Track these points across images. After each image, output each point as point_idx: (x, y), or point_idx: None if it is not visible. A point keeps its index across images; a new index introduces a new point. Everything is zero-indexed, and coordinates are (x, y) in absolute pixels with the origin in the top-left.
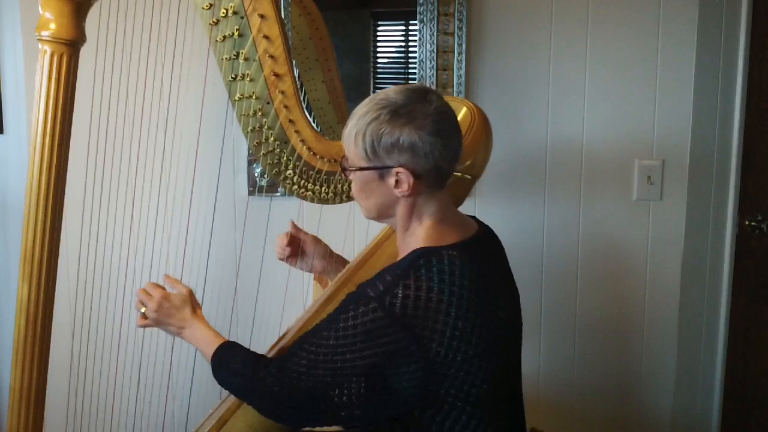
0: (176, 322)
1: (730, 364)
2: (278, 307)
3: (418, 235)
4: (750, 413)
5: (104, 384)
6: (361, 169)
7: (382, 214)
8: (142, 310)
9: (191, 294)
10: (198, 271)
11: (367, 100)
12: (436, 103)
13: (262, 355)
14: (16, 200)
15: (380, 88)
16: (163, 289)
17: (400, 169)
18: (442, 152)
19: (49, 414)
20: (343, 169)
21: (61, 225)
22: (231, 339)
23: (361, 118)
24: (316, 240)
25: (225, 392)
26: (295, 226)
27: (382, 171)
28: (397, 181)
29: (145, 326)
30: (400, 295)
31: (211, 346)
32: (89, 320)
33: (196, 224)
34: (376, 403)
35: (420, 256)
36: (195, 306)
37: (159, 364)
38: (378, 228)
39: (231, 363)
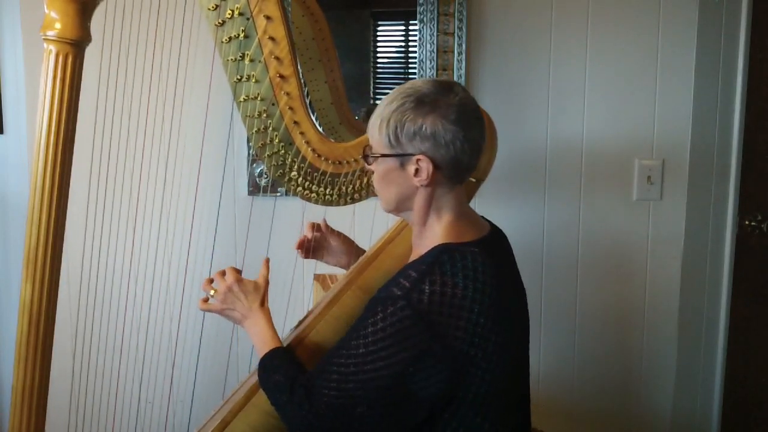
0: (242, 309)
1: (730, 364)
2: (280, 307)
3: (436, 232)
4: (750, 413)
5: (106, 385)
6: (384, 155)
7: (400, 205)
8: (211, 293)
9: (266, 284)
10: (200, 270)
11: (394, 89)
12: (461, 95)
13: (303, 370)
14: (16, 200)
15: (380, 88)
16: (239, 273)
17: (421, 157)
18: (463, 143)
19: (51, 414)
20: (365, 157)
21: (65, 225)
22: (236, 340)
23: (387, 105)
24: (341, 236)
25: (227, 393)
26: (326, 225)
27: (403, 159)
28: (417, 170)
29: (207, 310)
30: (427, 291)
31: (265, 346)
32: (92, 321)
33: (200, 223)
34: (404, 414)
35: (443, 252)
36: (264, 298)
37: (161, 364)
38: (382, 230)
39: (274, 373)
